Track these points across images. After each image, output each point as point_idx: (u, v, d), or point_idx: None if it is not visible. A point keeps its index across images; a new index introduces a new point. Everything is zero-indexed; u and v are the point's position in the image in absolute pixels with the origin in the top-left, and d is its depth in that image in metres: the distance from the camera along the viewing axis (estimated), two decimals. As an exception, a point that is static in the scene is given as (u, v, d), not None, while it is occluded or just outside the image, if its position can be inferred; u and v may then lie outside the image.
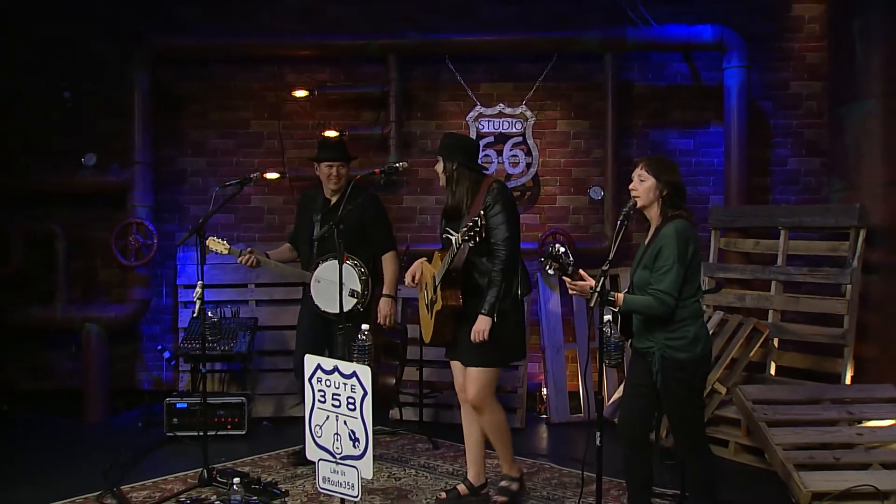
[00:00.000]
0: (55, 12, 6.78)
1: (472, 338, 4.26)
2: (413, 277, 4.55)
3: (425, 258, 4.56)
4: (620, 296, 3.78)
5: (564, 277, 3.76)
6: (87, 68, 6.87)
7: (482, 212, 4.13)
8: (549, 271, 3.72)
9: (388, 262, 5.18)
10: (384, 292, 5.13)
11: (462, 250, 4.15)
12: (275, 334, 6.63)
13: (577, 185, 7.00)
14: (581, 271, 3.76)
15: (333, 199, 5.17)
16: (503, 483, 4.55)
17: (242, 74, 7.02)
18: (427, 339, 4.55)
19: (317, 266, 5.06)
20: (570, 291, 3.82)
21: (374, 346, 4.27)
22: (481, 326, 4.24)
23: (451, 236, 4.25)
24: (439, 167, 4.45)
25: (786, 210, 6.43)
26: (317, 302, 5.06)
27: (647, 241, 3.92)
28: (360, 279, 4.99)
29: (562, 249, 3.67)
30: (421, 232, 6.99)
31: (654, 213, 3.89)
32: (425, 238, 6.90)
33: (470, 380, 4.36)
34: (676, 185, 3.85)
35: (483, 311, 4.25)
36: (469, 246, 4.09)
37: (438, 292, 4.31)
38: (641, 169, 3.87)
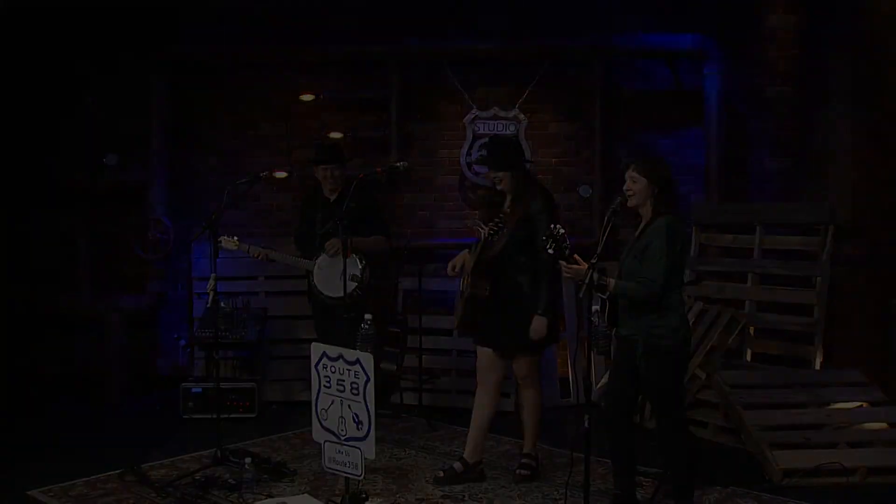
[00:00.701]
0: (81, 23, 6.75)
1: (531, 335, 4.34)
2: (454, 267, 4.52)
3: (468, 249, 4.50)
4: (612, 281, 3.78)
5: (561, 261, 3.73)
6: (110, 75, 6.87)
7: (527, 213, 4.29)
8: (549, 251, 3.71)
9: (375, 237, 5.15)
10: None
11: (492, 243, 4.24)
12: (283, 323, 6.62)
13: (567, 183, 7.00)
14: (576, 256, 3.75)
15: (332, 197, 5.20)
16: (525, 460, 4.61)
17: (253, 80, 7.01)
18: (455, 325, 4.57)
19: (319, 255, 5.09)
20: (565, 275, 3.79)
21: (377, 335, 4.29)
22: (538, 325, 4.33)
23: (481, 229, 4.30)
24: (505, 178, 4.41)
25: (761, 207, 6.42)
26: (319, 287, 5.09)
27: (637, 233, 3.91)
28: (359, 266, 5.02)
29: (562, 231, 3.66)
30: (420, 227, 6.99)
31: (646, 210, 3.87)
32: (424, 233, 6.91)
33: (522, 365, 4.51)
34: (667, 180, 3.83)
35: (538, 313, 4.33)
36: (493, 240, 4.22)
37: (468, 280, 4.34)
38: (633, 171, 3.83)
